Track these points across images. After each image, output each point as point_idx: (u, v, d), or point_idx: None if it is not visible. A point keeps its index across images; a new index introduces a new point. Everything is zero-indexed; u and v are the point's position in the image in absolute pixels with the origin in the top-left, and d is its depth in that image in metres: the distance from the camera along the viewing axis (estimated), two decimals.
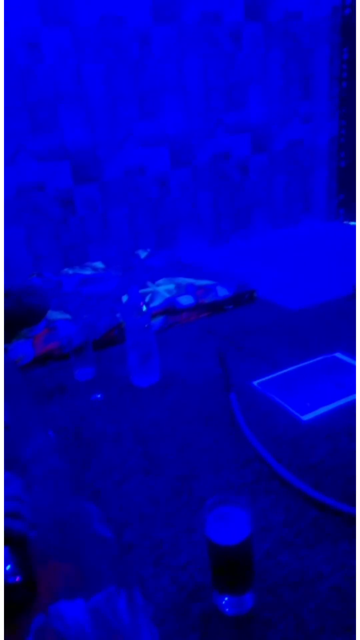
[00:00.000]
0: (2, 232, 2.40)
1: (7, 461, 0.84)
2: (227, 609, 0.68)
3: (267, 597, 0.69)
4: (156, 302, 1.77)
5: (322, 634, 0.64)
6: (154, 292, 1.87)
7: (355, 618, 0.65)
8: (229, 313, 1.80)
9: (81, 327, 1.63)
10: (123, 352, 1.33)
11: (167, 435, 1.09)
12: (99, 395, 1.28)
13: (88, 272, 2.31)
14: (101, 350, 1.53)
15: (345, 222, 3.31)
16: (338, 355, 1.33)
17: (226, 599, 0.68)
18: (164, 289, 1.90)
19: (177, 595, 0.71)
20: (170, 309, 1.75)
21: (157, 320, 1.71)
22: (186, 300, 1.79)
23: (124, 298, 1.88)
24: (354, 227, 3.08)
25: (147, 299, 1.80)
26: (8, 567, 0.64)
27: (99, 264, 2.44)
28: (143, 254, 2.51)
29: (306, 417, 1.08)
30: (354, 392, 1.15)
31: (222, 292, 1.83)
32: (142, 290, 1.89)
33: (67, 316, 1.76)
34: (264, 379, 1.25)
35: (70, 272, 2.35)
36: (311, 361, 1.31)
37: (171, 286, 1.91)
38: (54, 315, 1.75)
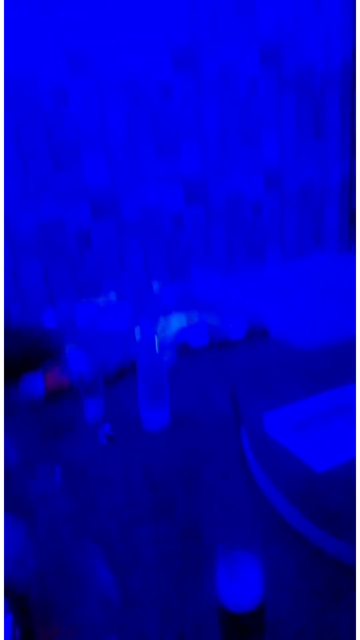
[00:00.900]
0: (2, 256, 2.45)
1: (12, 500, 0.82)
2: None
3: None
4: (168, 339, 1.77)
5: None
6: (166, 327, 1.88)
7: None
8: (241, 349, 1.79)
9: (92, 363, 1.62)
10: (133, 389, 1.32)
11: (175, 477, 1.06)
12: (107, 433, 1.26)
13: (101, 301, 2.34)
14: (112, 386, 1.52)
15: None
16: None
17: None
18: (176, 324, 1.91)
19: None
20: (182, 346, 1.75)
21: (168, 357, 1.70)
22: (199, 340, 1.80)
23: (137, 333, 1.88)
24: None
25: (159, 335, 1.81)
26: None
27: (112, 295, 2.48)
28: (156, 287, 2.54)
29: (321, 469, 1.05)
30: None
31: (235, 333, 1.84)
32: (154, 325, 1.90)
33: (79, 350, 1.76)
34: (275, 418, 1.22)
35: (84, 302, 2.38)
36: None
37: (183, 321, 1.92)
38: (67, 348, 1.76)
